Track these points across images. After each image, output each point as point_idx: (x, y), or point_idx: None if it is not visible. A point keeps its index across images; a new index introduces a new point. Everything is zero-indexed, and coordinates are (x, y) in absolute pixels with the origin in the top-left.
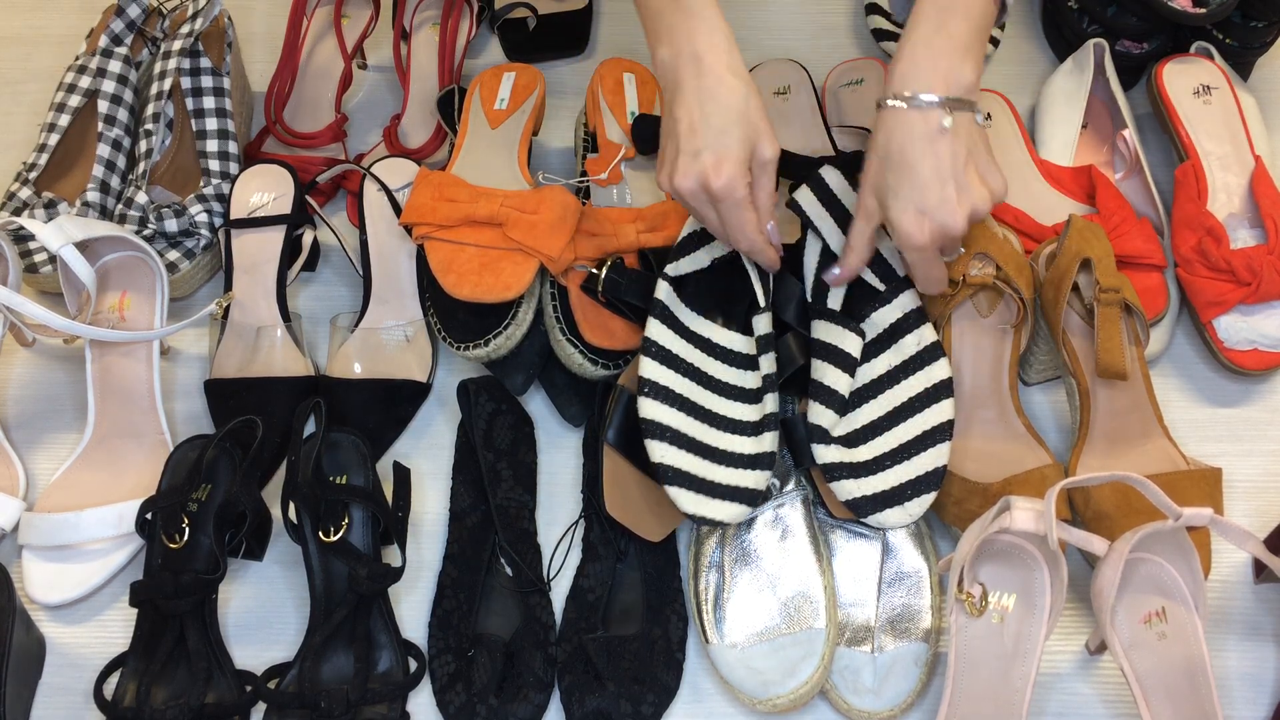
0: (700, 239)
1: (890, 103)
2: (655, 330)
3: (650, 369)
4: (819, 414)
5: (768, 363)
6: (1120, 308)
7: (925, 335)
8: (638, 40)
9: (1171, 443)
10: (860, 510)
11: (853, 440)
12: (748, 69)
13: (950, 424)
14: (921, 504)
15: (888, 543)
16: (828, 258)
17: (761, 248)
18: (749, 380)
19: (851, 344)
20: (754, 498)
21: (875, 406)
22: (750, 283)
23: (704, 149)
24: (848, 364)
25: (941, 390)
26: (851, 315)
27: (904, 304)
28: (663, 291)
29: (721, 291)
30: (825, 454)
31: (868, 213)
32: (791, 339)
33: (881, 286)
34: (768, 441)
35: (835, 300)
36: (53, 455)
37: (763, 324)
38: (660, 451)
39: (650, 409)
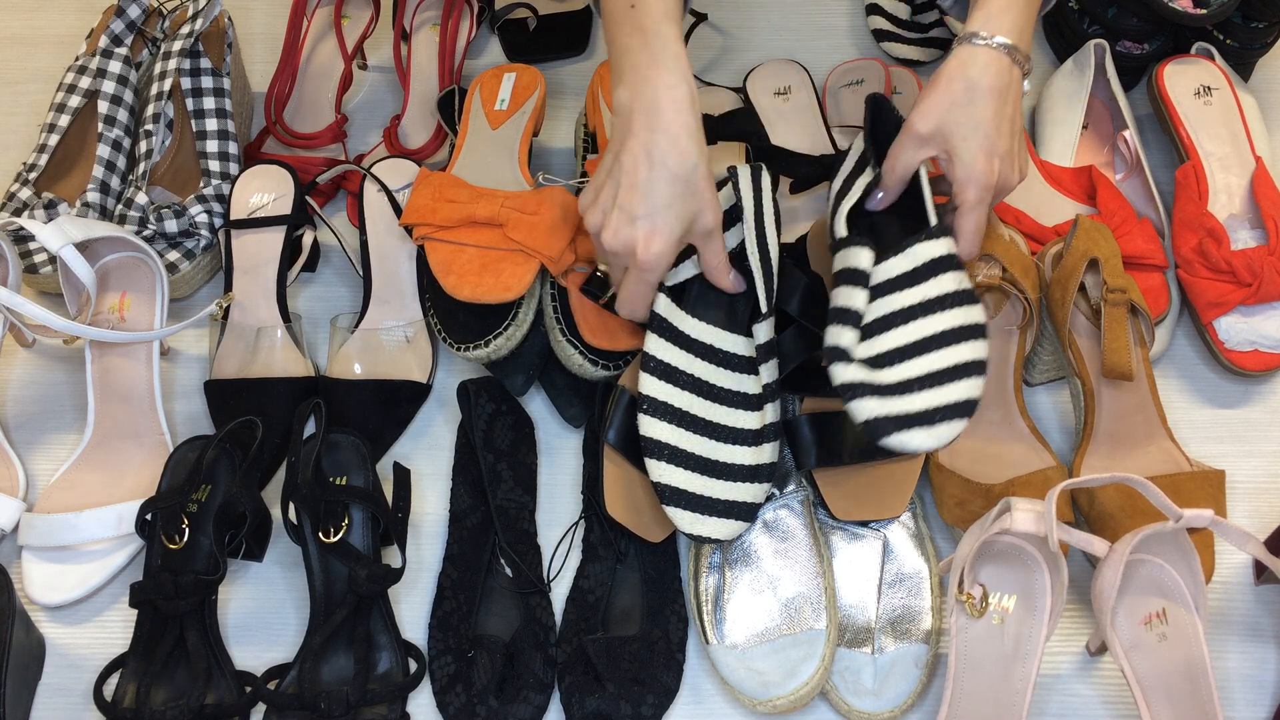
0: None
1: (978, 40)
2: (654, 345)
3: (650, 385)
4: (837, 334)
5: (768, 371)
6: (1127, 308)
7: (965, 280)
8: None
9: (1175, 444)
10: (879, 431)
11: (878, 362)
12: (703, 129)
13: (984, 364)
14: (952, 430)
15: (888, 544)
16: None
17: (640, 318)
18: (750, 385)
19: (862, 258)
20: (751, 512)
21: (905, 333)
22: (753, 283)
23: (641, 217)
24: (859, 279)
25: (977, 331)
26: (888, 244)
27: (949, 245)
28: (661, 305)
29: (725, 292)
30: (844, 373)
31: (920, 139)
32: (794, 334)
33: (933, 219)
34: (768, 452)
35: (842, 229)
36: (53, 455)
37: (764, 331)
38: (659, 471)
39: (650, 427)
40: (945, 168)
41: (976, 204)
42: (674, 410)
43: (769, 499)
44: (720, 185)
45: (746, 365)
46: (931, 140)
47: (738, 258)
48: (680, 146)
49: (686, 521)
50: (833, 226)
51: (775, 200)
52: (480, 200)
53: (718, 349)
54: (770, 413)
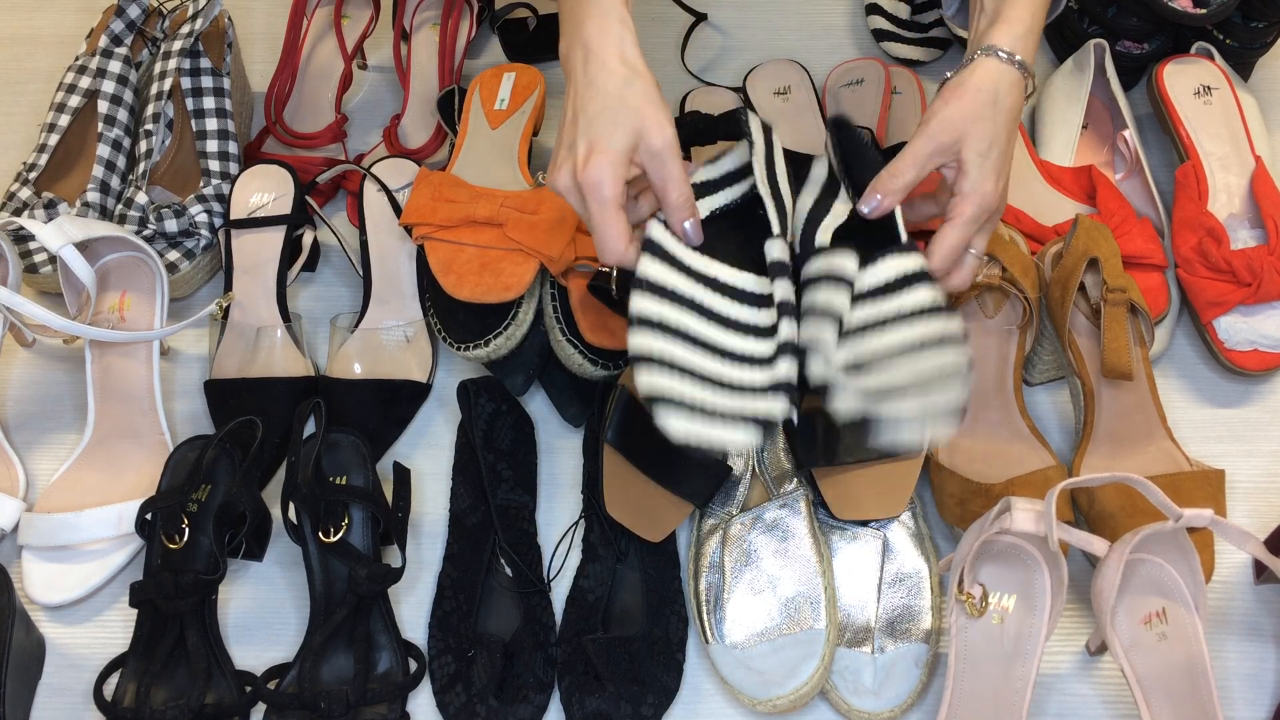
0: (700, 193)
1: (1002, 54)
2: (648, 267)
3: (641, 303)
4: (817, 326)
5: (783, 288)
6: (1126, 308)
7: (939, 296)
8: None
9: (1175, 444)
10: (866, 431)
11: (858, 369)
12: (644, 61)
13: (970, 366)
14: (944, 429)
15: (888, 543)
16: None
17: (626, 262)
18: (764, 318)
19: (849, 266)
20: (768, 429)
21: (883, 340)
22: (766, 221)
23: (579, 138)
24: (844, 283)
25: (957, 339)
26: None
27: (921, 261)
28: (656, 231)
29: (733, 240)
30: (823, 369)
31: (941, 148)
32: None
33: (904, 237)
34: (784, 369)
35: (825, 239)
36: (53, 455)
37: (777, 249)
38: (648, 378)
39: (640, 340)
40: (949, 179)
41: (970, 221)
42: (669, 328)
43: (775, 501)
44: (729, 124)
45: (760, 301)
46: (949, 150)
47: (750, 205)
48: (609, 68)
49: (682, 428)
50: (809, 240)
51: (785, 157)
52: (480, 200)
53: (724, 282)
54: (786, 328)
